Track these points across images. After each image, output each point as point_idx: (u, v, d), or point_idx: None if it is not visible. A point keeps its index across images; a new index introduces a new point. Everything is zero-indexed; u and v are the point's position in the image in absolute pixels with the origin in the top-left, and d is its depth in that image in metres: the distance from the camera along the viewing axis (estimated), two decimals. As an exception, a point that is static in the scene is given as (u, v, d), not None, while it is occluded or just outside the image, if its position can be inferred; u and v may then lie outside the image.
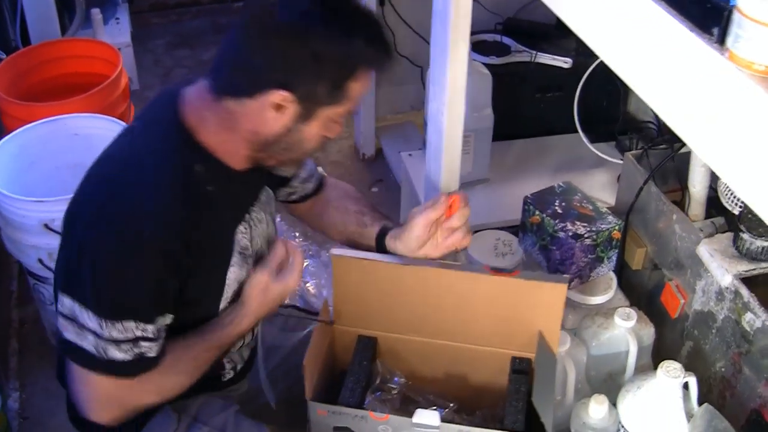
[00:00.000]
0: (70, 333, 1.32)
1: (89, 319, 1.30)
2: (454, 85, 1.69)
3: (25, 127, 2.35)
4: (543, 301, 1.50)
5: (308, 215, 1.76)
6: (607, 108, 2.74)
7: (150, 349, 1.34)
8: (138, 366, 1.34)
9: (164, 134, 1.37)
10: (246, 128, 1.35)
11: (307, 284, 2.09)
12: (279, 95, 1.29)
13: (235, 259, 1.45)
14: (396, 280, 1.54)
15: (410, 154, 2.70)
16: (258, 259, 1.50)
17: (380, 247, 1.61)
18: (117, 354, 1.31)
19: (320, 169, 1.77)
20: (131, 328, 1.30)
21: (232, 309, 1.46)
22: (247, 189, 1.49)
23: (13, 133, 2.35)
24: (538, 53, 2.65)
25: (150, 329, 1.33)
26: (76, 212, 1.36)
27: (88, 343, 1.31)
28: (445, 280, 1.53)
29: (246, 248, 1.47)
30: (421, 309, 1.56)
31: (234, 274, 1.45)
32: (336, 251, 1.55)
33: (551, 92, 2.72)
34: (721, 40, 0.87)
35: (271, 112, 1.31)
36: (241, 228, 1.46)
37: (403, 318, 1.58)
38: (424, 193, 2.23)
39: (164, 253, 1.30)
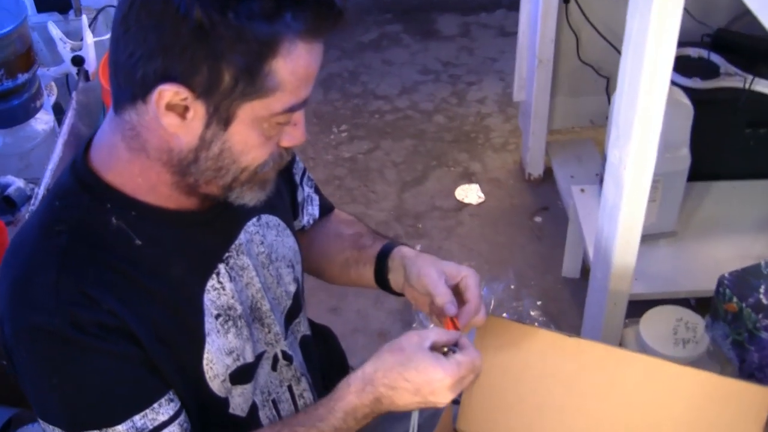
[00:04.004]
0: None
1: None
2: (645, 126, 1.29)
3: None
4: (737, 409, 1.18)
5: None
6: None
7: None
8: None
9: (62, 190, 1.08)
10: (154, 146, 1.02)
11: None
12: (168, 90, 0.95)
13: (210, 325, 1.11)
14: (550, 356, 1.26)
15: (582, 189, 2.37)
16: (256, 316, 1.18)
17: (380, 272, 1.30)
18: None
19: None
20: None
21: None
22: (206, 232, 1.14)
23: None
24: (755, 78, 2.22)
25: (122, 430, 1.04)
26: None
27: None
28: (613, 365, 1.23)
29: (229, 308, 1.13)
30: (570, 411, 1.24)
31: (215, 344, 1.11)
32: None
33: (766, 127, 2.32)
34: None
35: (172, 117, 0.98)
36: (212, 284, 1.12)
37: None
38: (592, 249, 1.85)
39: (90, 344, 1.02)
